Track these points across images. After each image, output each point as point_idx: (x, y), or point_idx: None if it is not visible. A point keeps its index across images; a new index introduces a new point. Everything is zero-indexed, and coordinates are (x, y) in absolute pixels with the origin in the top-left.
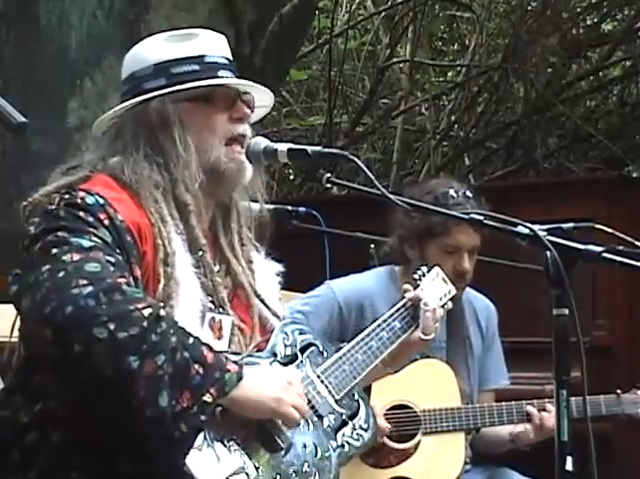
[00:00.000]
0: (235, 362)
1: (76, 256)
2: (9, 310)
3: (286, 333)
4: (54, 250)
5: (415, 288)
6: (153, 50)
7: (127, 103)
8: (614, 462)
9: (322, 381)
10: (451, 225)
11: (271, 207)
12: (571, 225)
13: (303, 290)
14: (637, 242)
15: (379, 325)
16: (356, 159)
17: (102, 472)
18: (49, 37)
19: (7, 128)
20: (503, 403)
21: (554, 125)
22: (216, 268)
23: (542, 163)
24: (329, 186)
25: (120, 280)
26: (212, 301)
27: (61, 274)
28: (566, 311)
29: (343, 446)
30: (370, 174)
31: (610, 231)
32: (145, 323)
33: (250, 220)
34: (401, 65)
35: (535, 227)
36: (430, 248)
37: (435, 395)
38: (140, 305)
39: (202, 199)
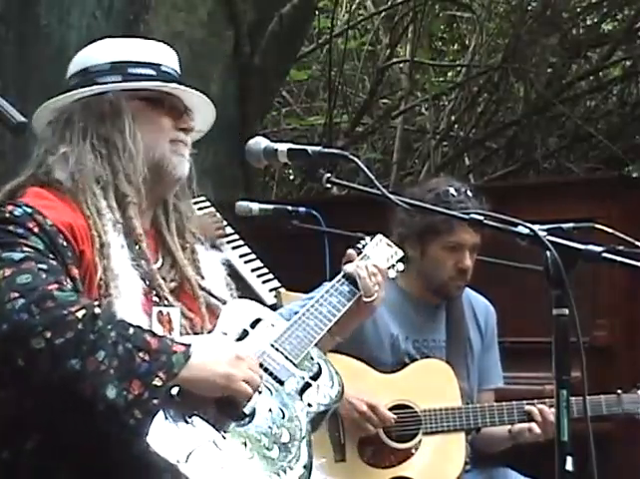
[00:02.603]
0: (182, 343)
1: (7, 272)
2: None
3: (233, 313)
4: None
5: (358, 254)
6: (110, 50)
7: (80, 90)
8: (614, 462)
9: (277, 349)
10: (454, 222)
11: (271, 207)
12: (571, 225)
13: (303, 290)
14: (637, 242)
15: (327, 291)
16: (356, 159)
17: (82, 473)
18: (49, 37)
19: (7, 128)
20: (504, 403)
21: (554, 125)
22: (160, 262)
23: (542, 163)
24: (329, 186)
25: (51, 287)
26: (156, 294)
27: None
28: (566, 311)
29: (310, 405)
30: (370, 174)
31: (610, 231)
32: (79, 325)
33: (194, 216)
34: (401, 65)
35: (535, 227)
36: (431, 247)
37: (435, 395)
38: (73, 309)
39: (145, 195)
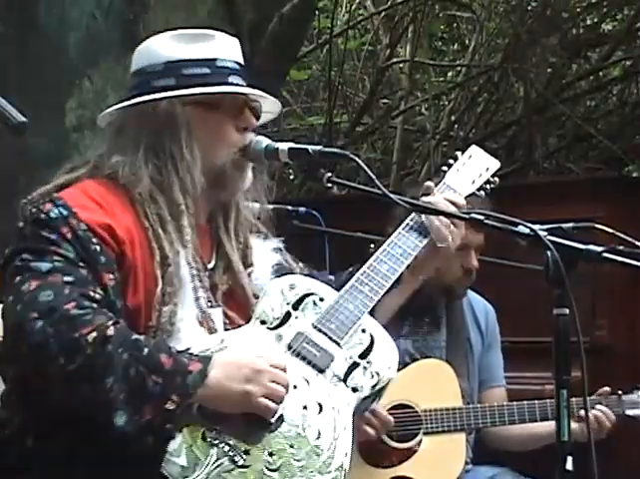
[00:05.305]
0: (199, 359)
1: (33, 284)
2: None
3: (275, 293)
4: (17, 279)
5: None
6: (165, 47)
7: (134, 100)
8: (614, 462)
9: (319, 329)
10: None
11: (271, 207)
12: (571, 225)
13: None
14: (637, 242)
15: (389, 244)
16: (357, 158)
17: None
18: (48, 37)
19: (7, 128)
20: (504, 403)
21: (554, 125)
22: (213, 263)
23: (542, 163)
24: (330, 185)
25: (68, 306)
26: (205, 297)
27: (18, 308)
28: (566, 311)
29: (356, 390)
30: (370, 173)
31: (610, 231)
32: (89, 350)
33: (251, 218)
34: (401, 65)
35: (536, 226)
36: None
37: (436, 395)
38: (85, 331)
39: (200, 199)
